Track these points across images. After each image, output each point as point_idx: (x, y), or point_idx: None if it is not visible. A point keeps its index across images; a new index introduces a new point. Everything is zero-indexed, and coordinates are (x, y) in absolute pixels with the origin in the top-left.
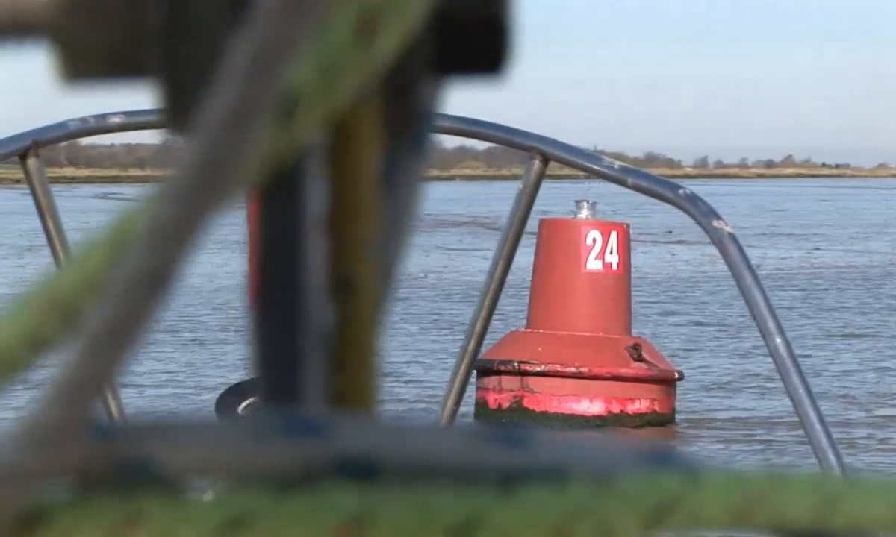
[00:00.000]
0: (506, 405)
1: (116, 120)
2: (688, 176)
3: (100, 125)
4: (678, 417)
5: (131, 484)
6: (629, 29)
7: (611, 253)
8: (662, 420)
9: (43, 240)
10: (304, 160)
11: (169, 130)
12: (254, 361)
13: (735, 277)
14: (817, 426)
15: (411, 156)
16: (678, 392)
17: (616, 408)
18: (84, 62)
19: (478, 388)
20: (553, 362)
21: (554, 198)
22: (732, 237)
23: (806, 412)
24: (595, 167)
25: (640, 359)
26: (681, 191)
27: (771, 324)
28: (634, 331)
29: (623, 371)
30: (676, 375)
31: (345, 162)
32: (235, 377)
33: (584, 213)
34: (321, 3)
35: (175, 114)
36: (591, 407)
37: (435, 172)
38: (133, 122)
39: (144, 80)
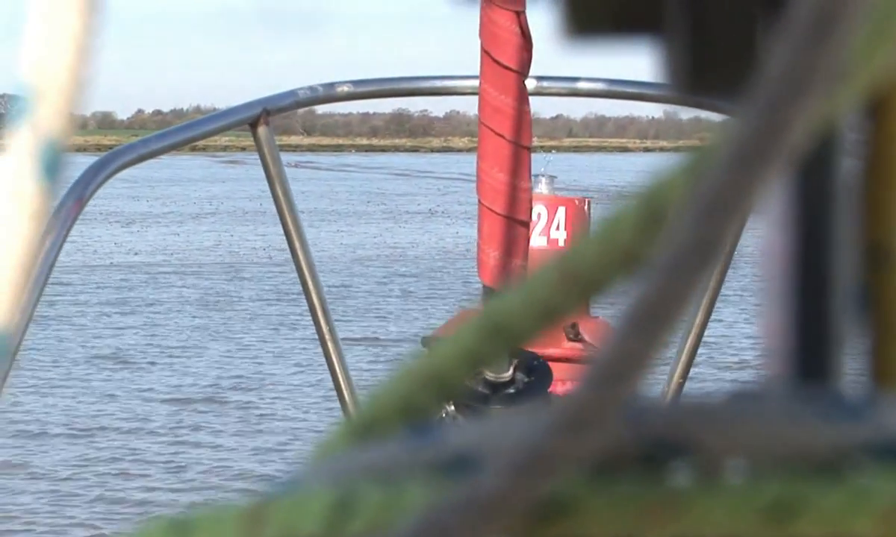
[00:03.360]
0: None
1: (344, 89)
2: None
3: (328, 94)
4: None
5: (665, 467)
6: None
7: (557, 229)
8: None
9: (208, 208)
10: (841, 126)
11: (680, 92)
12: (782, 336)
13: None
14: None
15: None
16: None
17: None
18: (590, 18)
19: None
20: None
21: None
22: None
23: None
24: None
25: (576, 339)
26: None
27: None
28: None
29: (550, 351)
30: None
31: (885, 128)
32: None
33: (541, 188)
34: None
35: (691, 76)
36: None
37: (661, 143)
38: (360, 91)
39: (651, 40)
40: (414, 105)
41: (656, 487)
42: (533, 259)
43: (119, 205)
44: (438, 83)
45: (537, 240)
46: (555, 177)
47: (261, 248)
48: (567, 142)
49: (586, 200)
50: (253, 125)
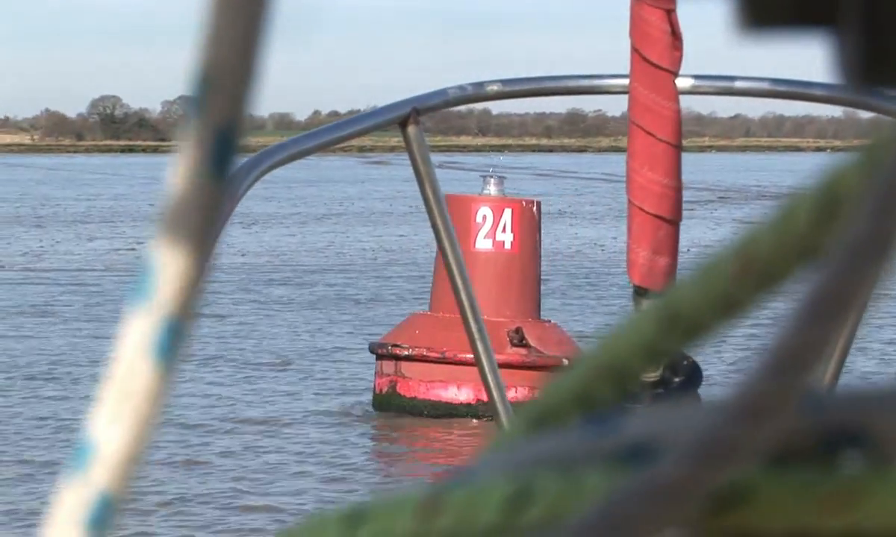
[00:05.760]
0: (384, 389)
1: (494, 88)
2: None
3: (477, 93)
4: None
5: (839, 455)
6: None
7: (503, 231)
8: None
9: (337, 210)
10: None
11: (852, 87)
12: None
13: None
14: None
15: None
16: None
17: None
18: (768, 10)
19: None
20: (421, 346)
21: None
22: None
23: None
24: None
25: (520, 344)
26: None
27: None
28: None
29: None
30: (566, 362)
31: None
32: None
33: (490, 190)
34: None
35: (864, 71)
36: (458, 394)
37: (835, 143)
38: (509, 90)
39: (826, 34)
40: (589, 104)
41: (832, 476)
42: (478, 262)
43: (249, 205)
44: (587, 82)
45: (482, 243)
46: (504, 178)
47: (368, 250)
48: (739, 141)
49: (535, 202)
50: (402, 124)
